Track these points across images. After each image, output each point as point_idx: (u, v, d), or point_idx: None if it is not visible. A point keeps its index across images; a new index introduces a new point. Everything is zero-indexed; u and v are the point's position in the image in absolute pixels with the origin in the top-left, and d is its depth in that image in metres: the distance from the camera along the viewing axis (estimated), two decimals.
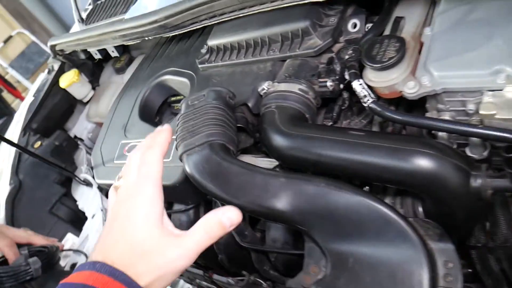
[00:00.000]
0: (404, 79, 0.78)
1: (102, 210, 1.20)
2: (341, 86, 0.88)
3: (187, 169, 0.84)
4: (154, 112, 1.26)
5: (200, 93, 0.92)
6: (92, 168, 1.47)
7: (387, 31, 0.87)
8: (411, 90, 0.77)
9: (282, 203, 0.75)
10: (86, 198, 1.32)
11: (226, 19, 1.02)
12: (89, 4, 1.80)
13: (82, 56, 1.56)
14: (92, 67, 1.65)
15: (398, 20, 0.84)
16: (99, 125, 1.65)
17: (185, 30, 1.09)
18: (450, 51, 0.76)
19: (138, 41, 1.21)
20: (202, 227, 0.63)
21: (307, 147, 0.77)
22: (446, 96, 0.77)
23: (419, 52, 0.81)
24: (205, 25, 1.06)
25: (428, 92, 0.76)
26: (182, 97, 1.26)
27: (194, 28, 1.08)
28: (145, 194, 0.62)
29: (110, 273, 0.55)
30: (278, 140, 0.81)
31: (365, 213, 0.69)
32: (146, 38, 1.18)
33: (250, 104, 0.93)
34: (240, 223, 0.91)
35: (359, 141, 0.73)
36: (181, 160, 0.86)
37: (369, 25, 0.92)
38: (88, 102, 1.67)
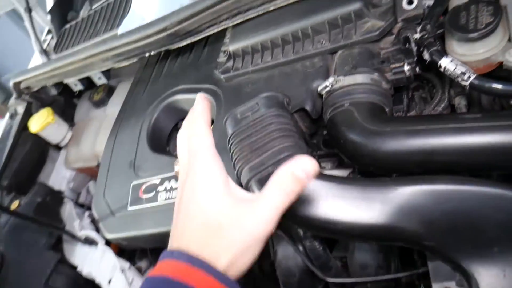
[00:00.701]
0: (503, 47, 0.69)
1: (122, 271, 1.00)
2: (417, 70, 0.77)
3: None
4: (165, 140, 1.10)
5: (248, 103, 0.77)
6: (93, 222, 1.27)
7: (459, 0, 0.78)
8: None
9: (399, 216, 0.62)
10: (91, 260, 1.11)
11: (253, 15, 0.89)
12: (47, 35, 1.61)
13: (54, 91, 1.36)
14: (64, 104, 1.45)
15: None
16: (82, 171, 1.45)
17: (199, 37, 0.95)
18: None
19: (135, 60, 1.06)
20: (275, 184, 0.56)
21: (414, 143, 0.65)
22: None
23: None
24: (224, 27, 0.93)
25: None
26: None
27: (211, 32, 0.94)
28: (201, 167, 0.58)
29: (187, 259, 0.52)
30: (369, 142, 0.69)
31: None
32: (147, 54, 1.02)
33: (308, 108, 0.80)
34: (322, 255, 0.77)
35: (483, 124, 0.62)
36: (247, 187, 0.71)
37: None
38: (63, 146, 1.46)
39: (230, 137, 0.75)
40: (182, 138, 0.66)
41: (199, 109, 0.66)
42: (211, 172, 0.58)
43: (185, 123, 0.68)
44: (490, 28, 0.68)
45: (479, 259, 0.60)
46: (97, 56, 1.06)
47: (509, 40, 0.70)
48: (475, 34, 0.68)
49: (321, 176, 0.67)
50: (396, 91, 0.84)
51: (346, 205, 0.64)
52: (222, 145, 0.89)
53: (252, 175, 0.69)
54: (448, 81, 0.83)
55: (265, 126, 0.72)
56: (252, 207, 0.55)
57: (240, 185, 0.74)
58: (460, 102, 0.81)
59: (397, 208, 0.62)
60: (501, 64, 0.70)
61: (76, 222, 1.22)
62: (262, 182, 0.69)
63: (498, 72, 0.72)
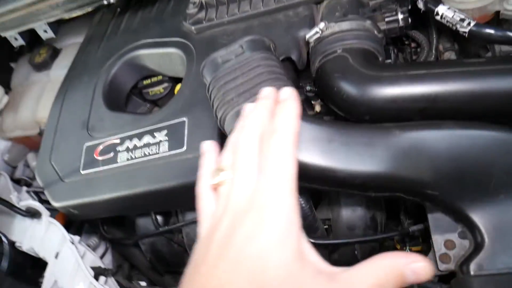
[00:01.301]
0: None
1: (72, 243, 0.87)
2: (409, 20, 0.73)
3: None
4: (124, 99, 0.98)
5: (229, 47, 0.69)
6: (35, 192, 1.12)
7: None
8: None
9: (403, 163, 0.57)
10: (33, 234, 0.96)
11: None
12: None
13: None
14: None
15: None
16: (20, 141, 1.28)
17: None
18: None
19: (89, 9, 0.94)
20: (372, 274, 0.40)
21: (416, 88, 0.61)
22: None
23: None
24: None
25: None
26: (158, 78, 1.00)
27: None
28: (279, 209, 0.41)
29: None
30: (366, 89, 0.63)
31: None
32: (105, 2, 0.90)
33: (294, 57, 0.74)
34: (308, 214, 0.71)
35: (488, 68, 0.58)
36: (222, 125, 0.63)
37: None
38: None
39: (210, 82, 0.66)
40: (250, 147, 0.47)
41: (288, 116, 0.49)
42: (290, 221, 0.41)
43: (254, 124, 0.50)
44: None
45: (485, 207, 0.57)
46: (45, 1, 0.92)
47: None
48: None
49: (318, 120, 0.61)
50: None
51: (347, 151, 0.58)
52: (195, 101, 0.81)
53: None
54: (435, 37, 0.80)
55: (253, 68, 0.64)
56: (332, 285, 0.39)
57: (223, 135, 0.66)
58: (450, 57, 0.78)
59: (401, 154, 0.57)
60: (497, 14, 0.68)
61: (13, 195, 1.06)
62: None
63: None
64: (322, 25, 0.71)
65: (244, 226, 0.41)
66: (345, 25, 0.70)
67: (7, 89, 1.30)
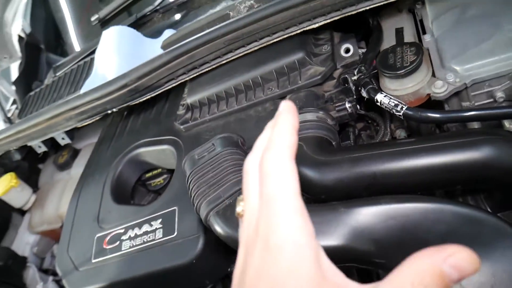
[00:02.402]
0: (428, 81, 0.77)
1: None
2: (358, 107, 0.84)
3: (220, 230, 0.71)
4: (129, 192, 1.10)
5: (204, 145, 0.81)
6: (57, 282, 1.22)
7: (387, 45, 0.86)
8: (440, 90, 0.76)
9: (350, 237, 0.65)
10: None
11: (208, 69, 0.95)
12: (12, 105, 1.62)
13: (17, 156, 1.36)
14: (28, 169, 1.44)
15: (400, 30, 0.85)
16: (46, 235, 1.41)
17: (159, 91, 1.00)
18: (463, 46, 0.77)
19: (98, 118, 1.09)
20: (407, 279, 0.33)
21: (357, 169, 0.70)
22: (472, 90, 0.76)
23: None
24: (182, 81, 0.98)
25: (458, 87, 0.75)
26: (158, 171, 1.12)
27: (169, 87, 0.99)
28: (282, 235, 0.36)
29: None
30: (318, 172, 0.73)
31: (451, 220, 0.62)
32: (109, 111, 1.05)
33: None
34: None
35: (417, 146, 0.67)
36: (206, 223, 0.73)
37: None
38: (27, 211, 1.43)
39: (188, 176, 0.78)
40: (252, 170, 0.44)
41: (282, 130, 0.42)
42: (296, 237, 0.36)
43: (257, 149, 0.46)
44: (415, 65, 0.76)
45: None
46: (61, 115, 1.08)
47: (433, 75, 0.78)
48: (402, 71, 0.76)
49: None
50: (342, 129, 0.90)
51: None
52: (183, 191, 0.92)
53: (210, 209, 0.71)
54: (388, 116, 0.89)
55: (220, 162, 0.75)
56: None
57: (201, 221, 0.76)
58: (400, 134, 0.87)
59: (348, 229, 0.65)
60: (429, 96, 0.78)
61: (39, 285, 1.17)
62: (220, 215, 0.71)
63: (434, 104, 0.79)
64: None
65: (253, 260, 0.37)
66: (300, 117, 0.81)
67: (36, 188, 1.46)
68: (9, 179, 1.30)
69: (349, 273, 0.86)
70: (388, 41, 0.88)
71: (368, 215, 0.65)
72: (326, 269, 0.37)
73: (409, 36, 0.87)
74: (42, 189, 1.43)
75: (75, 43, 1.65)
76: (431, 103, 0.80)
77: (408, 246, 0.63)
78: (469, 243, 0.60)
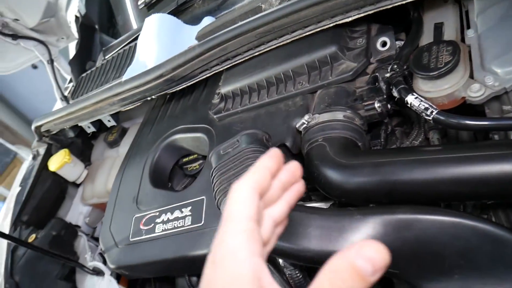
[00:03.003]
0: (464, 83, 0.72)
1: None
2: (389, 106, 0.80)
3: None
4: (167, 177, 1.15)
5: (230, 140, 0.82)
6: (101, 253, 1.32)
7: (426, 40, 0.82)
8: (477, 94, 0.70)
9: None
10: None
11: (240, 60, 0.95)
12: (69, 82, 1.72)
13: (71, 134, 1.45)
14: (81, 145, 1.54)
15: (439, 25, 0.79)
16: (97, 207, 1.51)
17: (194, 81, 1.01)
18: (507, 46, 0.71)
19: (138, 103, 1.13)
20: (326, 277, 0.37)
21: (378, 175, 0.68)
22: None
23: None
24: (216, 71, 0.99)
25: (497, 91, 0.70)
26: (194, 156, 1.16)
27: (204, 77, 1.01)
28: (226, 242, 0.41)
29: None
30: (339, 175, 0.71)
31: (470, 237, 0.59)
32: (149, 98, 1.09)
33: (288, 144, 0.84)
34: (302, 283, 0.78)
35: (443, 156, 0.64)
36: (219, 208, 0.75)
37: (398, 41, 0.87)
38: (80, 184, 1.53)
39: (212, 171, 0.80)
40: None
41: (258, 166, 0.48)
42: (237, 254, 0.40)
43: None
44: (449, 67, 0.71)
45: (442, 285, 0.61)
46: (105, 101, 1.14)
47: (471, 76, 0.73)
48: (435, 73, 0.72)
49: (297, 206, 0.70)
50: (374, 127, 0.87)
51: (315, 234, 0.66)
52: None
53: None
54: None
55: (243, 160, 0.76)
56: None
57: None
58: (433, 136, 0.83)
59: (362, 236, 0.64)
60: (465, 99, 0.73)
61: (87, 254, 1.27)
62: None
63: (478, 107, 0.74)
64: (307, 116, 0.81)
65: (206, 271, 0.41)
66: (326, 116, 0.79)
67: (89, 162, 1.56)
68: (63, 155, 1.39)
69: None
70: (428, 36, 0.83)
71: (383, 225, 0.63)
72: (266, 283, 0.39)
73: (451, 30, 0.81)
74: (94, 165, 1.52)
75: (129, 24, 1.70)
76: (472, 105, 0.75)
77: (422, 259, 0.62)
78: (489, 263, 0.59)
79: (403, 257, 0.62)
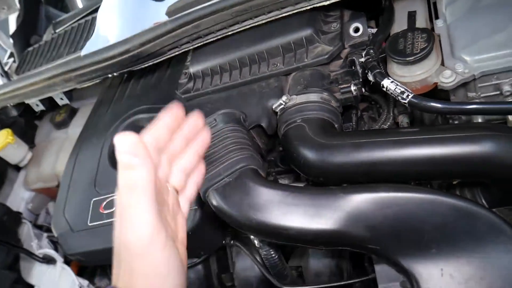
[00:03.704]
0: (437, 70, 0.76)
1: (80, 287, 0.98)
2: (363, 90, 0.83)
3: (217, 207, 0.71)
4: None
5: (207, 119, 0.81)
6: (52, 241, 1.24)
7: (396, 28, 0.85)
8: (448, 79, 0.75)
9: (346, 222, 0.66)
10: (49, 279, 1.08)
11: (212, 39, 0.93)
12: (8, 58, 1.59)
13: (14, 112, 1.34)
14: (24, 125, 1.43)
15: (413, 14, 0.83)
16: (42, 192, 1.41)
17: (161, 59, 0.98)
18: (475, 36, 0.76)
19: (98, 80, 1.07)
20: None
21: (357, 155, 0.70)
22: (480, 82, 0.76)
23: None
24: (186, 49, 0.96)
25: (467, 78, 0.74)
26: None
27: (172, 55, 0.98)
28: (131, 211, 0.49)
29: None
30: (319, 155, 0.73)
31: (446, 213, 0.63)
32: (110, 75, 1.04)
33: (264, 124, 0.84)
34: (277, 263, 0.79)
35: (420, 137, 0.67)
36: (204, 198, 0.74)
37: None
38: (22, 167, 1.43)
39: None
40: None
41: (158, 123, 0.55)
42: (139, 213, 0.48)
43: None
44: (425, 53, 0.75)
45: (419, 260, 0.64)
46: (60, 76, 1.06)
47: (442, 64, 0.77)
48: (411, 58, 0.75)
49: (274, 184, 0.70)
50: (346, 110, 0.89)
51: (298, 212, 0.67)
52: None
53: (209, 185, 0.72)
54: (392, 101, 0.89)
55: (221, 139, 0.75)
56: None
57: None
58: (403, 120, 0.87)
59: (344, 214, 0.66)
60: (436, 85, 0.77)
61: (34, 242, 1.19)
62: (219, 192, 0.72)
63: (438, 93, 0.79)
64: (284, 97, 0.81)
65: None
66: (304, 97, 0.80)
67: (32, 144, 1.45)
68: (6, 135, 1.29)
69: (342, 256, 0.89)
70: (399, 24, 0.86)
71: (365, 202, 0.65)
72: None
73: (421, 20, 0.85)
74: (38, 147, 1.42)
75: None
76: (436, 91, 0.79)
77: (402, 235, 0.65)
78: (463, 236, 0.63)
79: (384, 233, 0.65)
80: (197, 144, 0.59)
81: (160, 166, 0.54)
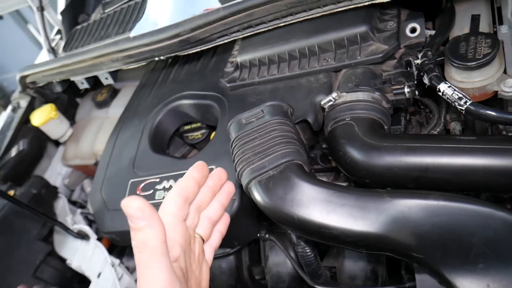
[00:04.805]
0: (498, 78, 0.73)
1: (112, 265, 1.00)
2: (416, 93, 0.80)
3: (260, 200, 0.71)
4: (167, 142, 1.11)
5: (253, 110, 0.80)
6: (86, 217, 1.27)
7: (459, 31, 0.82)
8: (509, 89, 0.72)
9: (392, 227, 0.64)
10: (82, 254, 1.10)
11: (263, 29, 0.92)
12: (56, 34, 1.62)
13: (58, 88, 1.37)
14: (67, 102, 1.46)
15: (477, 17, 0.80)
16: (78, 168, 1.45)
17: (210, 45, 0.98)
18: None
19: (144, 63, 1.08)
20: None
21: (408, 159, 0.68)
22: None
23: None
24: (235, 38, 0.95)
25: None
26: (197, 125, 1.12)
27: (221, 42, 0.97)
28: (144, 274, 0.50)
29: None
30: (367, 156, 0.71)
31: (499, 227, 0.61)
32: (157, 58, 1.04)
33: (310, 120, 0.83)
34: (313, 261, 0.78)
35: (476, 146, 0.64)
36: (246, 189, 0.73)
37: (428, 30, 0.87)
38: (61, 143, 1.46)
39: (233, 140, 0.77)
40: None
41: (186, 177, 0.60)
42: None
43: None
44: (488, 59, 0.71)
45: (465, 273, 0.62)
46: (108, 56, 1.08)
47: (504, 72, 0.74)
48: (473, 63, 0.72)
49: (319, 182, 0.69)
50: (394, 112, 0.87)
51: (342, 212, 0.66)
52: (222, 151, 0.92)
53: (252, 177, 0.71)
54: (444, 107, 0.86)
55: (268, 131, 0.74)
56: None
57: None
58: (455, 127, 0.84)
59: (390, 219, 0.64)
60: (495, 93, 0.74)
61: (68, 217, 1.22)
62: (262, 185, 0.71)
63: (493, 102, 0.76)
64: (334, 94, 0.80)
65: None
66: (355, 95, 0.79)
67: (72, 121, 1.48)
68: (49, 110, 1.32)
69: (378, 261, 0.87)
70: (459, 27, 0.83)
71: (414, 209, 0.64)
72: None
73: (484, 24, 0.82)
74: (79, 124, 1.45)
75: None
76: (490, 99, 0.76)
77: (449, 246, 0.63)
78: None
79: (430, 243, 0.63)
80: (222, 195, 0.64)
81: (189, 215, 0.59)
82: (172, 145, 1.17)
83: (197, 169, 0.61)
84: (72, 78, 1.24)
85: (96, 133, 1.35)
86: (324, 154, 0.92)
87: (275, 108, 0.78)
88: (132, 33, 1.06)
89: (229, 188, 0.65)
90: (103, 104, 1.41)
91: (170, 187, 0.94)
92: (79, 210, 1.34)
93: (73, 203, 1.45)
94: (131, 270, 1.16)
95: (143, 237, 0.49)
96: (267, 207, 0.70)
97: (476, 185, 0.66)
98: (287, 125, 0.76)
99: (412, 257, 0.65)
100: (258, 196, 0.71)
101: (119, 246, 1.30)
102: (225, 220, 0.66)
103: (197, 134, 1.12)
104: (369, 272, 0.82)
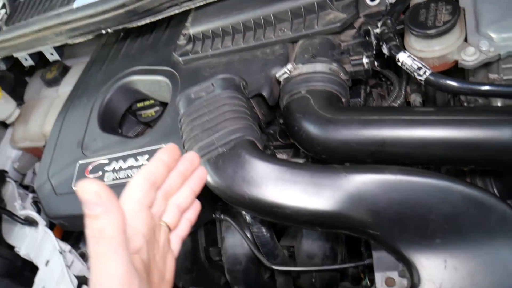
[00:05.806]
0: (459, 46, 0.70)
1: (61, 252, 0.94)
2: (376, 64, 0.77)
3: (209, 179, 0.66)
4: (118, 121, 1.05)
5: (203, 84, 0.75)
6: (35, 202, 1.20)
7: None
8: (470, 58, 0.68)
9: (347, 204, 0.61)
10: (30, 241, 1.04)
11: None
12: (1, 8, 1.51)
13: (2, 66, 1.28)
14: (13, 80, 1.37)
15: None
16: (29, 151, 1.36)
17: (159, 17, 0.92)
18: (505, 12, 0.69)
19: (90, 36, 1.01)
20: None
21: (365, 132, 0.64)
22: (504, 63, 0.70)
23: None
24: (186, 8, 0.89)
25: (491, 57, 0.68)
26: (150, 102, 1.06)
27: (171, 13, 0.91)
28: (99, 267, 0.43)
29: None
30: (323, 130, 0.67)
31: (458, 202, 0.58)
32: (103, 31, 0.97)
33: (265, 94, 0.78)
34: (269, 241, 0.75)
35: (434, 117, 0.61)
36: None
37: None
38: (10, 124, 1.37)
39: (181, 116, 0.72)
40: None
41: (154, 159, 0.54)
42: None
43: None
44: (448, 26, 0.68)
45: (422, 249, 0.60)
46: (50, 29, 1.00)
47: (465, 40, 0.71)
48: (433, 31, 0.68)
49: (271, 158, 0.65)
50: (354, 85, 0.83)
51: (295, 190, 0.62)
52: (174, 128, 0.86)
53: (201, 155, 0.67)
54: (405, 78, 0.83)
55: (218, 106, 0.69)
56: None
57: None
58: (416, 99, 0.81)
59: (346, 196, 0.61)
60: (456, 63, 0.71)
61: (17, 202, 1.14)
62: (211, 163, 0.67)
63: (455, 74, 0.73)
64: (290, 66, 0.75)
65: None
66: (311, 67, 0.74)
67: (21, 101, 1.39)
68: None
69: (337, 239, 0.84)
70: None
71: (370, 184, 0.60)
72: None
73: None
74: (27, 104, 1.36)
75: None
76: (452, 71, 0.73)
77: (406, 222, 0.60)
78: (472, 228, 0.58)
79: (387, 219, 0.60)
80: (193, 181, 0.58)
81: (155, 202, 0.54)
82: (125, 124, 1.10)
83: (167, 151, 0.55)
84: (15, 55, 1.16)
85: (45, 113, 1.27)
86: (282, 130, 0.88)
87: (226, 81, 0.73)
88: (76, 4, 0.98)
89: (201, 174, 0.59)
90: (52, 82, 1.32)
91: (120, 168, 0.88)
92: (30, 195, 1.26)
93: (25, 187, 1.37)
94: (87, 257, 1.10)
95: (99, 225, 0.43)
96: (217, 186, 0.66)
97: (436, 158, 0.64)
98: (238, 100, 0.71)
99: (369, 234, 0.62)
100: (207, 175, 0.66)
101: (76, 233, 1.24)
102: (196, 207, 0.60)
103: (151, 112, 1.06)
104: (328, 250, 0.79)
